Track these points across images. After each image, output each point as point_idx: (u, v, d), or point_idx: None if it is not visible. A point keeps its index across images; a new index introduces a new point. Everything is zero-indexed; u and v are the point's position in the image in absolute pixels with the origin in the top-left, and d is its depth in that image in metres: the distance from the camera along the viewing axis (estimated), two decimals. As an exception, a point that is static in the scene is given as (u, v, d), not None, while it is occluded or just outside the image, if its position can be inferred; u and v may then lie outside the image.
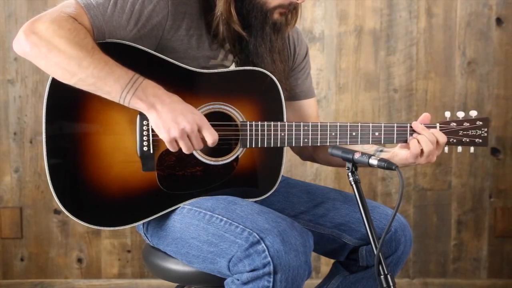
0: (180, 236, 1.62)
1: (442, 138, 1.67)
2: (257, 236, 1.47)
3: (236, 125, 1.65)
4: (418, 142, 1.66)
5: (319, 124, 1.68)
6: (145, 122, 1.58)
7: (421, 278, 3.01)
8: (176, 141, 1.53)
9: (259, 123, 1.65)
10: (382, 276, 1.43)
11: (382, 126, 1.70)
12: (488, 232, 2.99)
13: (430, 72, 2.91)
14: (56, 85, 1.54)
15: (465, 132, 1.73)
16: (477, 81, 2.91)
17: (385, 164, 1.44)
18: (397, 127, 1.70)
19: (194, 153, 1.63)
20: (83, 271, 3.00)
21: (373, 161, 1.46)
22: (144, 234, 1.78)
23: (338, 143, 1.69)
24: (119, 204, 1.61)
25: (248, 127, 1.64)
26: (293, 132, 1.67)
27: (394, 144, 1.72)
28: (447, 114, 1.73)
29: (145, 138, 1.59)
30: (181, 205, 1.65)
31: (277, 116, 1.67)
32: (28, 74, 2.89)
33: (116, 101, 1.51)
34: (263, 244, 1.46)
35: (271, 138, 1.66)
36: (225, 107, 1.64)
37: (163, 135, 1.52)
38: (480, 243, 2.99)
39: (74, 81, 1.50)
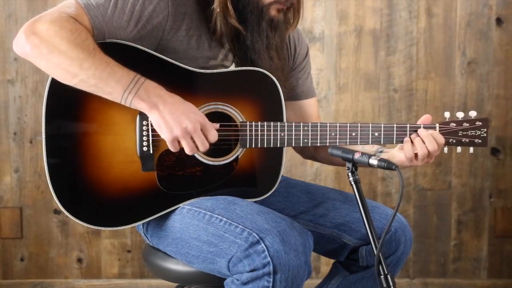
0: (180, 236, 1.62)
1: (440, 139, 1.67)
2: (256, 236, 1.47)
3: (236, 125, 1.65)
4: (412, 145, 1.65)
5: (318, 124, 1.68)
6: (145, 122, 1.58)
7: (421, 278, 3.01)
8: (178, 141, 1.53)
9: (259, 123, 1.65)
10: (382, 276, 1.43)
11: (382, 127, 1.70)
12: (488, 232, 2.99)
13: (430, 72, 2.91)
14: (55, 85, 1.54)
15: (465, 133, 1.73)
16: (477, 81, 2.91)
17: (385, 164, 1.44)
18: (396, 127, 1.70)
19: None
20: (83, 271, 3.00)
21: (373, 161, 1.46)
22: (144, 234, 1.78)
23: (337, 144, 1.69)
24: (118, 204, 1.61)
25: (248, 127, 1.64)
26: (293, 133, 1.67)
27: (394, 144, 1.72)
28: (447, 114, 1.73)
29: (144, 138, 1.59)
30: (181, 205, 1.65)
31: (277, 116, 1.67)
32: (28, 74, 2.89)
33: (118, 101, 1.50)
34: (262, 244, 1.46)
35: (270, 138, 1.66)
36: (225, 107, 1.64)
37: (165, 135, 1.51)
38: (480, 243, 2.99)
39: (75, 82, 1.50)
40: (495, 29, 2.90)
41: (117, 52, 1.54)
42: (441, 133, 1.70)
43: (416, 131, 1.68)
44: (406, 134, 1.69)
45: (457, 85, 2.92)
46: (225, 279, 1.57)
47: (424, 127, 1.69)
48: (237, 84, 1.64)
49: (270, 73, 1.65)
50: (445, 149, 1.75)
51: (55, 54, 1.47)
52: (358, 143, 1.70)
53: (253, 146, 1.65)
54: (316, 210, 1.78)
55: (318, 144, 1.68)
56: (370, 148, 1.78)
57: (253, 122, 1.65)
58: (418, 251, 2.98)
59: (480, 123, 1.73)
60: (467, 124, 1.73)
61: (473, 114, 1.73)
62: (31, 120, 2.91)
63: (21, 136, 2.92)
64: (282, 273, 1.45)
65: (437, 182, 2.96)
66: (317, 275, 2.94)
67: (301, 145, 1.67)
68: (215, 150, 1.65)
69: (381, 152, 1.76)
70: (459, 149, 1.75)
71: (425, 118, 1.70)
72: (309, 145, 1.68)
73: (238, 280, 1.51)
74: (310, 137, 1.68)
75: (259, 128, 1.65)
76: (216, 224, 1.55)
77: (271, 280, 1.45)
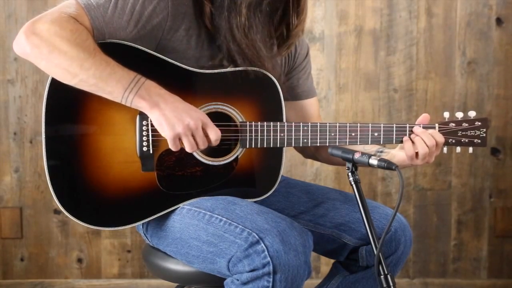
0: (179, 236, 1.62)
1: (440, 139, 1.68)
2: (256, 236, 1.47)
3: (236, 126, 1.65)
4: (413, 143, 1.66)
5: (318, 124, 1.68)
6: (144, 122, 1.58)
7: (421, 278, 3.01)
8: (179, 140, 1.53)
9: (259, 123, 1.65)
10: (382, 276, 1.43)
11: (381, 127, 1.70)
12: (488, 232, 2.99)
13: (430, 72, 2.91)
14: (55, 85, 1.54)
15: (464, 133, 1.73)
16: (477, 81, 2.91)
17: (385, 164, 1.44)
18: (396, 127, 1.70)
19: (194, 153, 1.63)
20: (83, 271, 3.00)
21: (373, 161, 1.46)
22: (144, 234, 1.78)
23: (337, 144, 1.69)
24: (118, 204, 1.61)
25: (247, 128, 1.64)
26: (293, 133, 1.67)
27: (393, 144, 1.73)
28: (446, 114, 1.73)
29: (144, 138, 1.59)
30: (180, 205, 1.65)
31: (277, 116, 1.67)
32: (28, 74, 2.90)
33: (118, 101, 1.50)
34: (262, 244, 1.46)
35: (270, 138, 1.66)
36: (225, 107, 1.64)
37: (166, 133, 1.51)
38: (480, 243, 2.99)
39: (75, 82, 1.50)
40: (495, 29, 2.90)
41: (117, 52, 1.54)
42: (440, 133, 1.70)
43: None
44: (405, 134, 1.70)
45: (457, 85, 2.92)
46: (225, 279, 1.57)
47: (424, 127, 1.70)
48: (237, 84, 1.64)
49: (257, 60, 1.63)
50: (445, 149, 1.75)
51: (56, 54, 1.47)
52: (358, 143, 1.70)
53: (253, 146, 1.66)
54: (316, 210, 1.78)
55: (318, 144, 1.68)
56: (371, 148, 1.78)
57: (253, 122, 1.65)
58: (418, 251, 2.98)
59: (479, 123, 1.73)
60: (467, 124, 1.73)
61: (472, 114, 1.73)
62: (31, 120, 2.91)
63: (21, 136, 2.92)
64: (282, 273, 1.45)
65: (437, 182, 2.96)
66: (317, 275, 2.94)
67: (300, 145, 1.68)
68: (215, 150, 1.65)
69: (381, 152, 1.76)
70: (458, 149, 1.75)
71: (423, 118, 1.71)
72: (309, 145, 1.68)
73: (238, 280, 1.51)
74: (309, 137, 1.68)
75: (259, 128, 1.65)
76: (216, 224, 1.55)
77: (271, 280, 1.45)
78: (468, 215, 2.98)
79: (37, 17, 1.50)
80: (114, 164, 1.60)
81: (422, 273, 3.01)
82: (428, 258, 3.00)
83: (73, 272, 3.00)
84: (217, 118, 1.63)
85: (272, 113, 1.67)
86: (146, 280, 3.00)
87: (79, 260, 2.99)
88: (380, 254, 1.43)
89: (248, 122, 1.65)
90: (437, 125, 1.73)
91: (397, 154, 1.71)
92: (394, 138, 1.71)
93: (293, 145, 1.67)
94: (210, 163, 1.65)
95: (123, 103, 1.50)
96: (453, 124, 1.73)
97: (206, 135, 1.54)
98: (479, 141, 1.74)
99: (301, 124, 1.67)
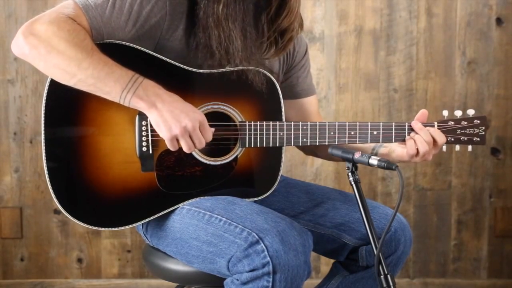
0: (179, 236, 1.62)
1: (441, 138, 1.68)
2: (256, 236, 1.47)
3: (235, 125, 1.65)
4: (415, 142, 1.66)
5: (317, 123, 1.68)
6: (144, 123, 1.58)
7: (421, 278, 3.01)
8: (177, 140, 1.53)
9: (258, 123, 1.65)
10: (382, 276, 1.44)
11: (381, 125, 1.71)
12: (488, 232, 2.99)
13: (430, 72, 2.91)
14: (55, 86, 1.54)
15: (463, 131, 1.74)
16: (477, 81, 2.91)
17: (385, 164, 1.44)
18: (395, 126, 1.71)
19: (193, 153, 1.63)
20: (83, 271, 3.00)
21: (373, 161, 1.46)
22: (144, 234, 1.78)
23: (336, 143, 1.69)
24: (118, 205, 1.61)
25: (247, 127, 1.64)
26: (292, 132, 1.67)
27: (392, 143, 1.73)
28: (445, 113, 1.74)
29: (144, 138, 1.59)
30: (180, 205, 1.65)
31: (276, 115, 1.67)
32: (28, 74, 2.90)
33: (116, 101, 1.50)
34: (262, 244, 1.46)
35: (270, 138, 1.66)
36: (224, 107, 1.64)
37: (163, 134, 1.51)
38: (480, 243, 2.99)
39: (73, 82, 1.50)
40: (495, 29, 2.90)
41: (116, 52, 1.54)
42: (441, 132, 1.71)
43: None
44: (404, 133, 1.70)
45: (457, 85, 2.92)
46: (224, 279, 1.57)
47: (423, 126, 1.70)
48: (236, 83, 1.64)
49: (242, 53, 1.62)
50: (444, 148, 1.76)
51: (54, 55, 1.47)
52: (357, 142, 1.71)
53: (252, 146, 1.66)
54: (316, 210, 1.78)
55: (317, 144, 1.69)
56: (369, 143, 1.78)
57: (252, 122, 1.65)
58: (418, 251, 2.98)
59: (478, 121, 1.74)
60: (466, 123, 1.74)
61: (471, 112, 1.74)
62: (31, 120, 2.91)
63: (21, 136, 2.92)
64: (281, 273, 1.45)
65: (437, 182, 2.96)
66: (317, 275, 2.94)
67: (300, 144, 1.68)
68: (214, 150, 1.65)
69: (380, 146, 1.76)
70: (457, 147, 1.76)
71: (421, 115, 1.71)
72: (308, 144, 1.68)
73: (237, 280, 1.51)
74: (309, 136, 1.68)
75: (258, 127, 1.65)
76: (216, 224, 1.55)
77: (271, 280, 1.45)
78: (468, 215, 2.98)
79: (35, 18, 1.50)
80: (113, 164, 1.60)
81: (422, 273, 3.01)
82: (428, 258, 3.00)
83: (73, 272, 3.00)
84: (217, 118, 1.63)
85: (271, 112, 1.67)
86: (146, 280, 3.00)
87: (79, 260, 2.99)
88: (380, 254, 1.43)
89: (247, 122, 1.65)
90: (436, 123, 1.73)
91: (396, 149, 1.72)
92: (393, 136, 1.71)
93: (292, 144, 1.67)
94: (210, 163, 1.65)
95: (121, 103, 1.50)
96: (452, 123, 1.73)
97: (203, 135, 1.55)
98: (478, 139, 1.74)
99: (300, 123, 1.67)
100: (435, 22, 2.90)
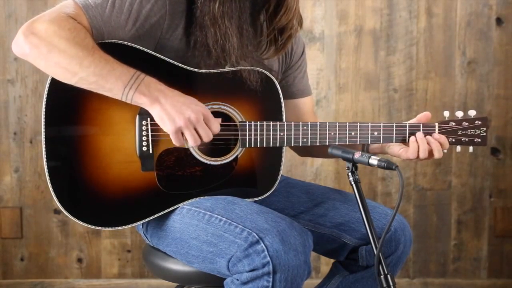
0: (179, 236, 1.62)
1: (445, 142, 1.69)
2: (256, 236, 1.47)
3: (236, 125, 1.65)
4: (418, 149, 1.66)
5: (318, 124, 1.68)
6: (144, 122, 1.58)
7: (421, 278, 3.01)
8: (182, 134, 1.52)
9: (258, 123, 1.65)
10: (382, 276, 1.44)
11: (381, 126, 1.71)
12: (488, 232, 2.99)
13: (430, 72, 2.91)
14: (55, 85, 1.54)
15: (464, 132, 1.73)
16: (477, 81, 2.91)
17: (385, 164, 1.44)
18: (396, 126, 1.71)
19: (193, 153, 1.63)
20: (83, 271, 3.00)
21: (373, 161, 1.46)
22: (144, 234, 1.78)
23: (337, 143, 1.69)
24: (118, 204, 1.61)
25: (247, 127, 1.64)
26: (292, 132, 1.67)
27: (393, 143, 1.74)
28: (446, 113, 1.74)
29: (144, 138, 1.59)
30: (180, 205, 1.65)
31: (276, 115, 1.67)
32: (28, 74, 2.90)
33: (118, 98, 1.50)
34: (262, 244, 1.46)
35: (270, 138, 1.66)
36: (224, 107, 1.64)
37: (168, 127, 1.51)
38: (480, 243, 2.99)
39: (75, 80, 1.50)
40: (495, 29, 2.90)
41: (116, 52, 1.54)
42: (440, 133, 1.71)
43: (414, 132, 1.69)
44: (405, 133, 1.70)
45: (457, 85, 2.92)
46: (224, 279, 1.57)
47: (424, 127, 1.70)
48: (236, 83, 1.64)
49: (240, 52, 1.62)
50: (445, 149, 1.76)
51: (55, 53, 1.47)
52: (358, 142, 1.71)
53: (253, 146, 1.66)
54: (316, 210, 1.78)
55: (318, 144, 1.69)
56: None
57: (253, 122, 1.65)
58: (418, 251, 2.98)
59: (479, 122, 1.74)
60: (467, 123, 1.74)
61: (472, 113, 1.74)
62: (31, 120, 2.91)
63: (21, 136, 2.92)
64: (281, 272, 1.45)
65: (437, 182, 2.96)
66: (317, 275, 2.94)
67: (300, 144, 1.67)
68: (214, 150, 1.65)
69: None
70: (458, 148, 1.76)
71: (423, 116, 1.71)
72: (309, 144, 1.68)
73: (237, 280, 1.51)
74: (309, 136, 1.68)
75: (259, 127, 1.65)
76: (216, 224, 1.55)
77: (271, 280, 1.45)
78: (468, 215, 2.98)
79: (35, 18, 1.50)
80: (113, 164, 1.60)
81: (422, 273, 3.01)
82: (428, 258, 3.00)
83: (73, 272, 3.00)
84: (217, 117, 1.63)
85: (271, 112, 1.67)
86: (146, 280, 3.00)
87: (79, 260, 2.99)
88: (380, 254, 1.43)
89: (247, 122, 1.65)
90: (437, 124, 1.73)
91: (391, 144, 1.73)
92: (394, 137, 1.71)
93: (292, 144, 1.67)
94: (210, 162, 1.65)
95: (123, 99, 1.50)
96: (453, 123, 1.73)
97: (209, 128, 1.54)
98: (479, 140, 1.74)
99: (300, 123, 1.67)
100: (435, 22, 2.90)
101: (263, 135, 1.65)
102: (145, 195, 1.62)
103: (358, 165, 1.51)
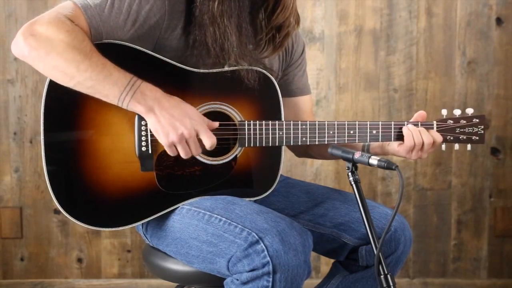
0: (179, 236, 1.62)
1: (438, 137, 1.70)
2: (256, 236, 1.47)
3: (235, 125, 1.65)
4: (413, 136, 1.68)
5: (317, 123, 1.68)
6: (143, 122, 1.58)
7: (421, 278, 3.01)
8: (175, 146, 1.53)
9: (257, 122, 1.65)
10: (382, 276, 1.44)
11: (380, 124, 1.71)
12: (488, 232, 2.99)
13: (430, 72, 2.91)
14: (54, 86, 1.54)
15: (462, 130, 1.74)
16: (477, 81, 2.91)
17: (385, 164, 1.44)
18: (394, 125, 1.71)
19: (193, 153, 1.64)
20: (83, 271, 3.00)
21: (373, 161, 1.46)
22: (144, 234, 1.78)
23: (336, 142, 1.70)
24: (118, 205, 1.61)
25: (246, 127, 1.64)
26: (291, 131, 1.67)
27: (392, 142, 1.74)
28: (444, 111, 1.75)
29: (143, 138, 1.59)
30: (180, 205, 1.65)
31: (275, 115, 1.68)
32: (28, 74, 2.90)
33: (115, 103, 1.50)
34: (262, 244, 1.46)
35: (269, 137, 1.66)
36: (223, 107, 1.64)
37: (161, 140, 1.53)
38: (480, 243, 2.99)
39: (72, 84, 1.50)
40: (495, 29, 2.90)
41: (115, 53, 1.54)
42: (438, 131, 1.73)
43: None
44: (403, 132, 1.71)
45: (457, 85, 2.92)
46: (224, 279, 1.57)
47: (422, 125, 1.72)
48: (235, 83, 1.64)
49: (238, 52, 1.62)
50: (443, 147, 1.77)
51: (53, 56, 1.47)
52: (356, 141, 1.71)
53: (252, 145, 1.66)
54: (316, 210, 1.78)
55: (317, 143, 1.69)
56: None
57: (252, 121, 1.65)
58: (418, 251, 2.98)
59: (477, 120, 1.75)
60: (464, 121, 1.75)
61: (470, 111, 1.75)
62: (31, 120, 2.91)
63: (21, 136, 2.92)
64: (281, 272, 1.45)
65: (437, 182, 2.96)
66: (317, 274, 2.94)
67: (299, 143, 1.68)
68: (214, 149, 1.65)
69: None
70: (456, 146, 1.77)
71: (418, 115, 1.73)
72: (308, 143, 1.68)
73: (237, 280, 1.51)
74: (308, 135, 1.68)
75: (258, 127, 1.65)
76: (216, 224, 1.55)
77: (271, 279, 1.45)
78: (468, 215, 2.98)
79: (34, 19, 1.50)
80: (113, 164, 1.59)
81: (422, 273, 3.01)
82: (428, 258, 3.00)
83: (73, 272, 3.00)
84: (216, 117, 1.63)
85: (270, 112, 1.67)
86: (146, 280, 3.00)
87: (79, 260, 2.99)
88: (380, 253, 1.43)
89: (246, 121, 1.65)
90: (435, 122, 1.74)
91: (391, 142, 1.73)
92: (392, 135, 1.72)
93: (291, 143, 1.67)
94: (209, 162, 1.65)
95: (119, 105, 1.50)
96: (451, 121, 1.74)
97: (201, 141, 1.55)
98: (477, 138, 1.75)
99: (299, 122, 1.68)
100: (435, 22, 2.90)
101: (262, 134, 1.65)
102: (145, 195, 1.62)
103: (358, 165, 1.51)
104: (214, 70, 1.63)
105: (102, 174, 1.59)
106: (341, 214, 1.75)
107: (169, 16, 1.59)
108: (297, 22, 1.75)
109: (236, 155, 1.66)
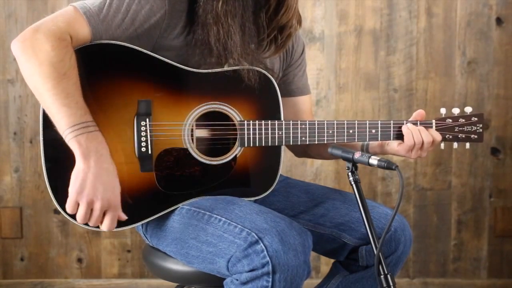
0: (179, 236, 1.62)
1: (437, 136, 1.70)
2: (255, 236, 1.47)
3: (234, 125, 1.65)
4: (412, 135, 1.68)
5: (316, 122, 1.69)
6: (142, 123, 1.58)
7: (421, 278, 3.01)
8: (79, 205, 1.48)
9: (257, 122, 1.65)
10: (382, 276, 1.44)
11: (379, 123, 1.72)
12: (488, 232, 2.99)
13: (430, 72, 2.91)
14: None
15: (461, 128, 1.75)
16: (477, 81, 2.91)
17: (385, 164, 1.44)
18: (393, 124, 1.72)
19: (192, 153, 1.63)
20: (83, 271, 3.00)
21: (373, 161, 1.46)
22: (144, 234, 1.78)
23: (335, 141, 1.70)
24: (117, 205, 1.61)
25: (245, 126, 1.65)
26: (291, 131, 1.67)
27: (391, 141, 1.74)
28: (443, 110, 1.76)
29: (143, 139, 1.59)
30: (180, 205, 1.65)
31: (275, 114, 1.68)
32: (28, 74, 2.89)
33: (61, 133, 1.48)
34: (261, 244, 1.46)
35: (268, 137, 1.66)
36: (223, 107, 1.64)
37: (71, 190, 1.47)
38: (480, 243, 2.99)
39: (37, 96, 1.49)
40: (495, 29, 2.90)
41: (114, 53, 1.54)
42: (437, 129, 1.73)
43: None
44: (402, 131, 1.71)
45: (457, 85, 2.92)
46: (224, 279, 1.57)
47: (421, 124, 1.72)
48: (235, 83, 1.64)
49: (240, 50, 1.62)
50: (442, 145, 1.77)
51: (30, 65, 1.47)
52: (356, 141, 1.72)
53: (251, 145, 1.66)
54: (316, 210, 1.78)
55: (316, 142, 1.69)
56: None
57: (251, 121, 1.65)
58: (418, 251, 2.98)
59: (475, 119, 1.76)
60: (463, 120, 1.75)
61: (468, 110, 1.76)
62: (31, 120, 2.91)
63: (21, 136, 2.92)
64: (281, 272, 1.45)
65: (437, 182, 2.96)
66: (317, 275, 2.94)
67: (299, 143, 1.68)
68: (213, 149, 1.65)
69: None
70: (455, 144, 1.77)
71: (417, 114, 1.73)
72: (307, 143, 1.69)
73: (237, 280, 1.51)
74: (307, 135, 1.68)
75: (257, 127, 1.65)
76: (215, 224, 1.55)
77: (270, 280, 1.45)
78: (468, 215, 2.98)
79: (35, 25, 1.50)
80: (112, 164, 1.59)
81: (422, 273, 3.01)
82: (428, 258, 3.00)
83: (73, 272, 3.00)
84: (215, 117, 1.63)
85: (270, 111, 1.67)
86: (146, 280, 3.00)
87: (79, 260, 2.99)
88: (380, 254, 1.43)
89: (246, 121, 1.65)
90: (434, 121, 1.74)
91: (391, 142, 1.73)
92: (391, 134, 1.72)
93: (291, 143, 1.67)
94: (209, 162, 1.65)
95: (63, 137, 1.48)
96: (450, 120, 1.75)
97: (104, 220, 1.51)
98: (475, 136, 1.76)
99: (299, 122, 1.68)
100: (435, 22, 2.90)
101: (262, 134, 1.65)
102: (145, 196, 1.62)
103: (358, 165, 1.51)
104: (213, 70, 1.63)
105: (102, 175, 1.59)
106: (341, 214, 1.75)
107: (169, 16, 1.59)
108: (299, 23, 1.75)
109: (236, 155, 1.66)
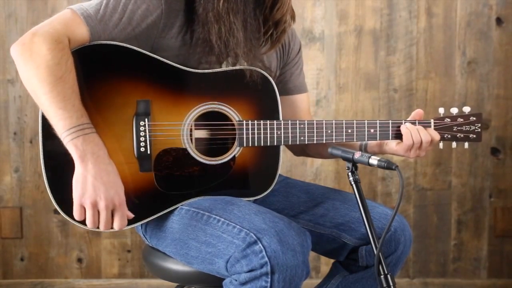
0: (178, 237, 1.62)
1: (435, 135, 1.70)
2: (254, 236, 1.47)
3: (233, 125, 1.65)
4: (411, 134, 1.69)
5: (315, 122, 1.69)
6: (141, 123, 1.58)
7: (421, 278, 3.00)
8: (84, 209, 1.48)
9: (256, 122, 1.65)
10: (382, 276, 1.44)
11: (378, 123, 1.72)
12: (488, 232, 2.98)
13: (430, 72, 2.91)
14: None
15: (459, 128, 1.75)
16: (477, 81, 2.91)
17: (385, 164, 1.44)
18: (392, 123, 1.72)
19: (191, 153, 1.63)
20: (83, 271, 3.00)
21: (373, 161, 1.46)
22: (143, 235, 1.78)
23: (334, 141, 1.70)
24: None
25: (244, 126, 1.65)
26: (289, 130, 1.67)
27: (390, 140, 1.74)
28: (441, 110, 1.76)
29: (142, 139, 1.59)
30: (179, 205, 1.65)
31: (273, 114, 1.68)
32: (28, 74, 2.89)
33: (59, 136, 1.49)
34: (260, 245, 1.46)
35: (267, 136, 1.66)
36: (221, 107, 1.64)
37: (75, 195, 1.47)
38: (480, 243, 2.99)
39: (35, 99, 1.51)
40: (495, 29, 2.90)
41: (113, 53, 1.54)
42: (436, 129, 1.74)
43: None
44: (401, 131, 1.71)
45: (457, 85, 2.92)
46: (224, 279, 1.57)
47: (420, 123, 1.73)
48: (233, 83, 1.64)
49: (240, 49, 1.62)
50: (441, 145, 1.77)
51: (27, 67, 1.49)
52: (355, 140, 1.72)
53: (250, 145, 1.66)
54: (315, 210, 1.78)
55: (315, 142, 1.69)
56: None
57: (250, 121, 1.65)
58: (418, 251, 2.98)
59: (474, 118, 1.76)
60: (462, 120, 1.75)
61: (467, 109, 1.76)
62: (31, 120, 2.91)
63: (21, 136, 2.92)
64: (279, 273, 1.45)
65: (437, 182, 2.96)
66: (317, 275, 2.94)
67: (297, 142, 1.68)
68: (212, 149, 1.65)
69: None
70: (454, 144, 1.78)
71: (416, 114, 1.73)
72: (306, 142, 1.69)
73: (236, 280, 1.51)
74: (306, 134, 1.68)
75: (256, 126, 1.65)
76: (214, 225, 1.55)
77: (269, 280, 1.45)
78: (468, 215, 2.98)
79: (33, 29, 1.51)
80: (112, 165, 1.59)
81: (422, 273, 3.01)
82: (428, 258, 3.00)
83: (73, 272, 3.00)
84: (214, 117, 1.63)
85: (268, 111, 1.68)
86: (146, 280, 3.00)
87: (79, 260, 2.99)
88: (380, 254, 1.43)
89: (245, 121, 1.65)
90: (432, 120, 1.74)
91: (389, 141, 1.74)
92: (390, 134, 1.72)
93: (290, 142, 1.67)
94: (208, 162, 1.65)
95: (61, 140, 1.48)
96: (448, 120, 1.75)
97: (114, 219, 1.51)
98: (474, 136, 1.76)
99: (297, 121, 1.68)
100: (435, 22, 2.90)
101: (261, 134, 1.66)
102: (144, 196, 1.61)
103: (358, 165, 1.51)
104: (212, 70, 1.63)
105: (101, 175, 1.59)
106: (341, 214, 1.75)
107: (166, 15, 1.59)
108: (293, 18, 1.76)
109: (235, 155, 1.66)
